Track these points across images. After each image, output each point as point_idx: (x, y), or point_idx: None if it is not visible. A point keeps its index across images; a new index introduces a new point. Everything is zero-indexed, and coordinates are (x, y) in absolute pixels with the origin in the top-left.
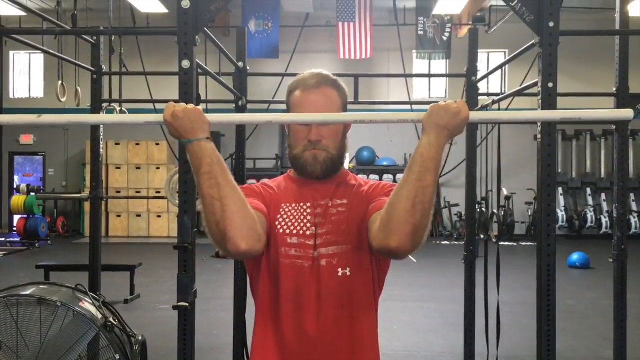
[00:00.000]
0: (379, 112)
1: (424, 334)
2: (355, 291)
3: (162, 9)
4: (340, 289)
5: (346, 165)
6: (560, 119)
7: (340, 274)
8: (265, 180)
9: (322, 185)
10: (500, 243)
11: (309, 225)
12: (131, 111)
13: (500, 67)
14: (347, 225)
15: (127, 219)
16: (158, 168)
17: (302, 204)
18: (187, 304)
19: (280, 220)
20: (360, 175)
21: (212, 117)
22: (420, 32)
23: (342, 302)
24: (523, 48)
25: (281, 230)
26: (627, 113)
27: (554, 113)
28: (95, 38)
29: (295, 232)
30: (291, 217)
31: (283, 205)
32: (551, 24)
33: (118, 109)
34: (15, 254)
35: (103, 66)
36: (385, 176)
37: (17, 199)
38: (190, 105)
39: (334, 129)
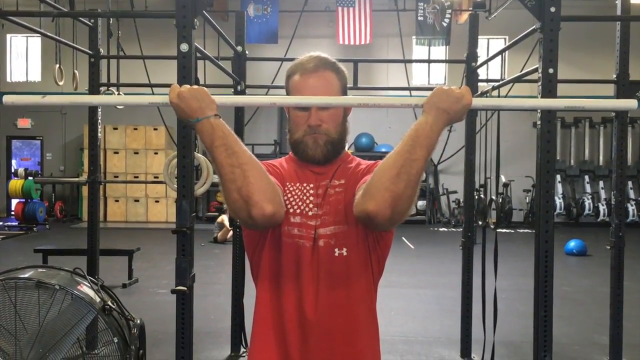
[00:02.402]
0: (382, 97)
1: (421, 319)
2: (352, 272)
3: None
4: (337, 270)
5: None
6: (564, 107)
7: (337, 254)
8: (267, 161)
9: (324, 168)
10: (498, 230)
11: (311, 205)
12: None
13: (501, 52)
14: (344, 205)
15: (125, 203)
16: (156, 153)
17: (305, 184)
18: (185, 288)
19: (285, 198)
20: None
21: (216, 99)
22: (420, 18)
23: (339, 282)
24: (524, 33)
25: (284, 209)
26: (631, 103)
27: (558, 101)
28: (92, 21)
29: (298, 211)
30: (295, 197)
31: (287, 184)
32: (552, 9)
33: (116, 93)
34: (13, 238)
35: (101, 49)
36: None
37: (15, 183)
38: (195, 86)
39: (334, 112)
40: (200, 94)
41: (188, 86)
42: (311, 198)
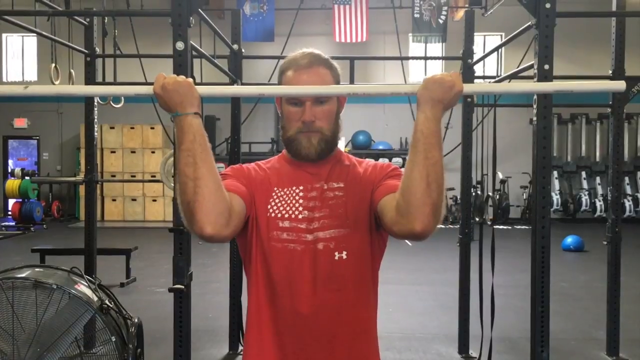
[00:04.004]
0: (373, 85)
1: (419, 316)
2: (352, 275)
3: None
4: (336, 273)
5: (341, 147)
6: (554, 91)
7: (336, 257)
8: (259, 162)
9: (316, 168)
10: (495, 226)
11: (301, 209)
12: None
13: (497, 49)
14: (344, 209)
15: (123, 203)
16: (153, 152)
17: (294, 187)
18: (183, 287)
19: (272, 204)
20: None
21: (203, 90)
22: (417, 15)
23: (338, 286)
24: (520, 29)
25: (273, 215)
26: (620, 85)
27: (548, 85)
28: (88, 19)
29: (287, 216)
30: (283, 202)
31: (275, 189)
32: (547, 5)
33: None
34: (10, 238)
35: (97, 48)
36: (380, 160)
37: (12, 183)
38: (181, 77)
39: (328, 109)
40: (184, 89)
41: (174, 77)
42: (300, 201)
